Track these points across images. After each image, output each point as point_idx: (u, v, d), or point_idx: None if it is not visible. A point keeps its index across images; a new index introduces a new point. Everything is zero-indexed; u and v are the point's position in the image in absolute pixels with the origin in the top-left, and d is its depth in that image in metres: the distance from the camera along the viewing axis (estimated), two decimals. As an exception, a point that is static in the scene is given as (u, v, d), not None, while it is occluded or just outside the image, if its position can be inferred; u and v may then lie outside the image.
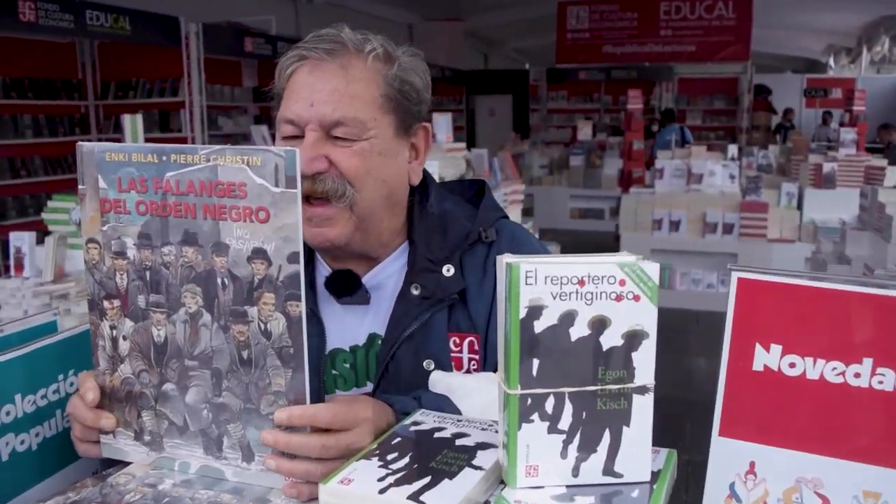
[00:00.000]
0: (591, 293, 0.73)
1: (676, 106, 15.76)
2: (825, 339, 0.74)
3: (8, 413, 0.97)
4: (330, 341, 1.21)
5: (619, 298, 0.73)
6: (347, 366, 1.21)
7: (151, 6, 8.25)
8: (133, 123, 5.02)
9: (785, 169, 8.18)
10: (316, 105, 1.09)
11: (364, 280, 1.21)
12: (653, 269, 0.73)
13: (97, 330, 0.94)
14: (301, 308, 0.86)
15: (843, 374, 0.73)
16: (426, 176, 1.26)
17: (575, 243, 8.62)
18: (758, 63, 15.93)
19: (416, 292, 1.15)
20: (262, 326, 0.88)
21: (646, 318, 0.74)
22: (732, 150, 8.07)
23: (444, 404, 1.01)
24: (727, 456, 0.77)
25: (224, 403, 0.91)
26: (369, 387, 1.19)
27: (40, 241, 3.87)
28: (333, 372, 1.21)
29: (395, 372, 1.15)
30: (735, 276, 0.78)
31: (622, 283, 0.73)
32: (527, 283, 0.72)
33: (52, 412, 1.03)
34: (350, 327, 1.22)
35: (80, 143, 0.91)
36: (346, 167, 1.10)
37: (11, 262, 4.40)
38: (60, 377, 1.04)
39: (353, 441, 0.87)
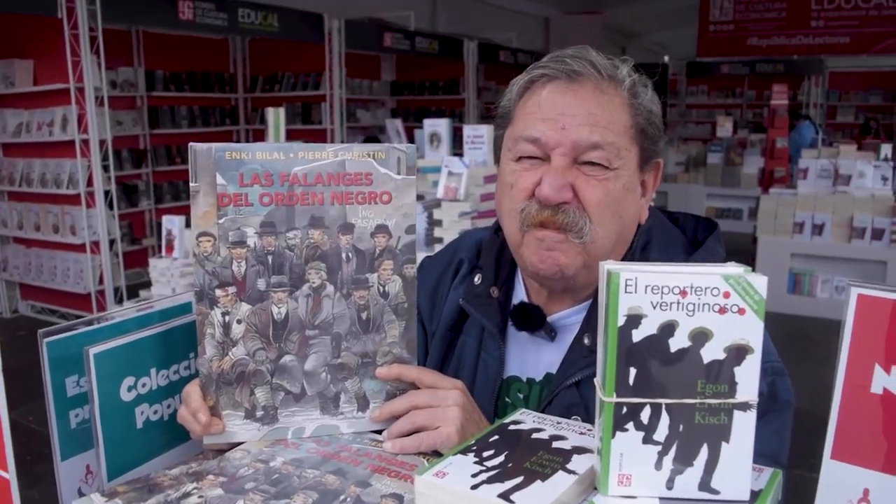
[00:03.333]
0: (693, 304, 0.71)
1: (827, 101, 14.80)
2: (955, 366, 0.67)
3: (144, 385, 1.06)
4: (508, 367, 1.19)
5: (722, 311, 0.71)
6: (521, 396, 1.18)
7: (298, 3, 8.62)
8: (276, 116, 5.31)
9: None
10: (569, 128, 1.03)
11: (553, 318, 1.16)
12: (760, 282, 0.70)
13: (205, 319, 0.99)
14: (415, 269, 1.02)
15: (974, 407, 0.66)
16: (650, 220, 1.17)
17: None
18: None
19: (587, 342, 1.09)
20: (381, 289, 1.02)
21: (751, 332, 0.71)
22: (886, 149, 7.39)
23: None
24: (839, 481, 0.73)
25: (342, 363, 1.02)
26: None
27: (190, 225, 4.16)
28: (507, 399, 1.18)
29: None
30: (854, 291, 0.74)
31: (726, 295, 0.71)
32: (626, 292, 0.71)
33: (182, 387, 1.09)
34: (531, 358, 1.18)
35: (192, 143, 0.96)
36: (590, 198, 1.04)
37: (163, 244, 4.76)
38: (191, 355, 1.11)
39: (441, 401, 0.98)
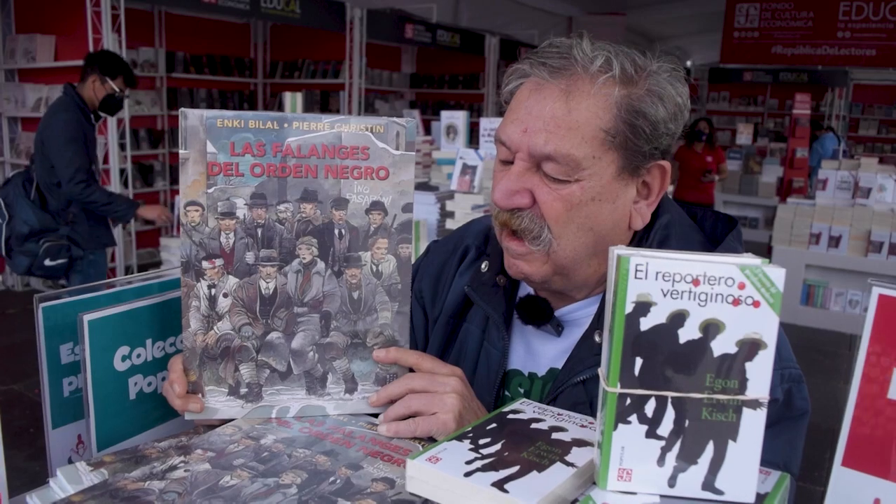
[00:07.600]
0: (706, 294, 0.68)
1: (850, 114, 14.65)
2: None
3: (139, 355, 1.04)
4: (511, 360, 1.16)
5: (736, 302, 0.68)
6: (521, 391, 1.15)
7: (320, -9, 8.55)
8: (293, 101, 5.28)
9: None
10: (529, 133, 0.98)
11: (560, 312, 1.12)
12: (777, 274, 0.67)
13: (190, 291, 0.96)
14: (411, 249, 0.99)
15: None
16: (669, 214, 1.10)
17: (723, 252, 8.21)
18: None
19: (598, 339, 1.04)
20: (374, 268, 0.99)
21: (765, 326, 0.68)
22: (909, 164, 7.33)
23: None
24: (849, 489, 0.71)
25: (331, 343, 1.00)
26: None
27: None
28: (506, 393, 1.15)
29: None
30: (876, 291, 0.71)
31: (741, 286, 0.67)
32: (636, 278, 0.68)
33: (177, 360, 1.09)
34: (535, 353, 1.15)
35: (182, 108, 0.93)
36: (547, 210, 0.99)
37: (176, 223, 4.76)
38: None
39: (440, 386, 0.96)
